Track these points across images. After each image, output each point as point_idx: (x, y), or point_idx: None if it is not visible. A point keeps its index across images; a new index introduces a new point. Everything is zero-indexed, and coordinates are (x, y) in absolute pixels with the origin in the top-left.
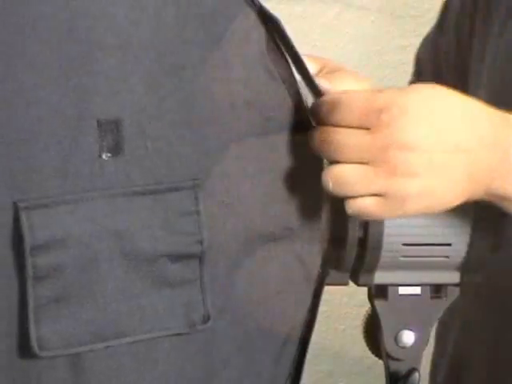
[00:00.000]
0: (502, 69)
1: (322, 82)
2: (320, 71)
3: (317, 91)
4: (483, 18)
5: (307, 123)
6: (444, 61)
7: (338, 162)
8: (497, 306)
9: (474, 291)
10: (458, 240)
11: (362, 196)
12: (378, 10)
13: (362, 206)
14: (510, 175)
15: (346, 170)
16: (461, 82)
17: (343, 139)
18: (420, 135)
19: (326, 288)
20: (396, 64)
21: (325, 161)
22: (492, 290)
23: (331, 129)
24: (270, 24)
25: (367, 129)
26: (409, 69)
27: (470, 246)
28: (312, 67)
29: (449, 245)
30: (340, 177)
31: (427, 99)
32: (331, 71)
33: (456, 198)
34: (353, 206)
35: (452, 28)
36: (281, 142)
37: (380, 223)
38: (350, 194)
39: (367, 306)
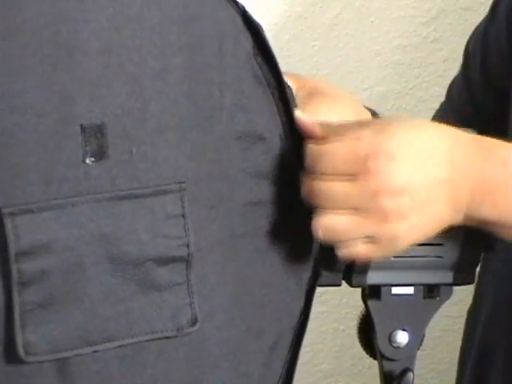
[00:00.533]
0: None
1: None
2: (299, 90)
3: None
4: None
5: (292, 126)
6: (494, 48)
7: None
8: None
9: (501, 281)
10: (450, 240)
11: (352, 241)
12: (377, 10)
13: (353, 251)
14: (485, 198)
15: (336, 219)
16: (507, 72)
17: (330, 188)
18: (406, 177)
19: (325, 289)
20: (396, 64)
21: None
22: None
23: (317, 179)
24: (254, 29)
25: (353, 177)
26: (408, 69)
27: (463, 246)
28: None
29: (441, 245)
30: (330, 226)
31: (410, 140)
32: (309, 93)
33: (440, 227)
34: (344, 252)
35: (503, 14)
36: (266, 145)
37: None
38: (340, 241)
39: None
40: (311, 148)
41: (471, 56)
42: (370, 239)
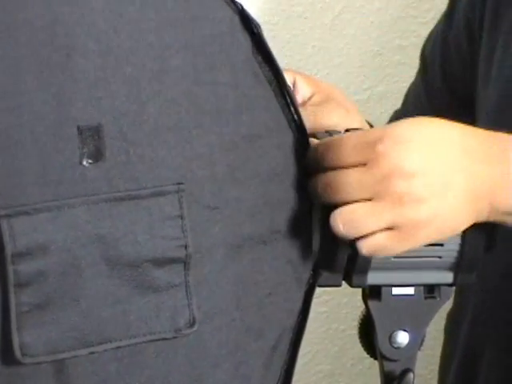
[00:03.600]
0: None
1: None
2: (314, 94)
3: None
4: (490, 19)
5: (295, 124)
6: (454, 53)
7: (342, 204)
8: (507, 300)
9: (485, 286)
10: (449, 240)
11: (373, 233)
12: (377, 10)
13: (375, 243)
14: (509, 187)
15: (354, 209)
16: (470, 77)
17: (343, 179)
18: (416, 161)
19: (326, 289)
20: (396, 64)
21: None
22: (502, 284)
23: (329, 172)
24: (253, 28)
25: (364, 165)
26: (409, 69)
27: (463, 246)
28: (305, 91)
29: (441, 245)
30: (349, 217)
31: (416, 126)
32: (321, 101)
33: (464, 220)
34: (366, 246)
35: (462, 22)
36: (269, 145)
37: None
38: (361, 232)
39: None
40: (319, 143)
41: (429, 61)
42: (391, 229)
